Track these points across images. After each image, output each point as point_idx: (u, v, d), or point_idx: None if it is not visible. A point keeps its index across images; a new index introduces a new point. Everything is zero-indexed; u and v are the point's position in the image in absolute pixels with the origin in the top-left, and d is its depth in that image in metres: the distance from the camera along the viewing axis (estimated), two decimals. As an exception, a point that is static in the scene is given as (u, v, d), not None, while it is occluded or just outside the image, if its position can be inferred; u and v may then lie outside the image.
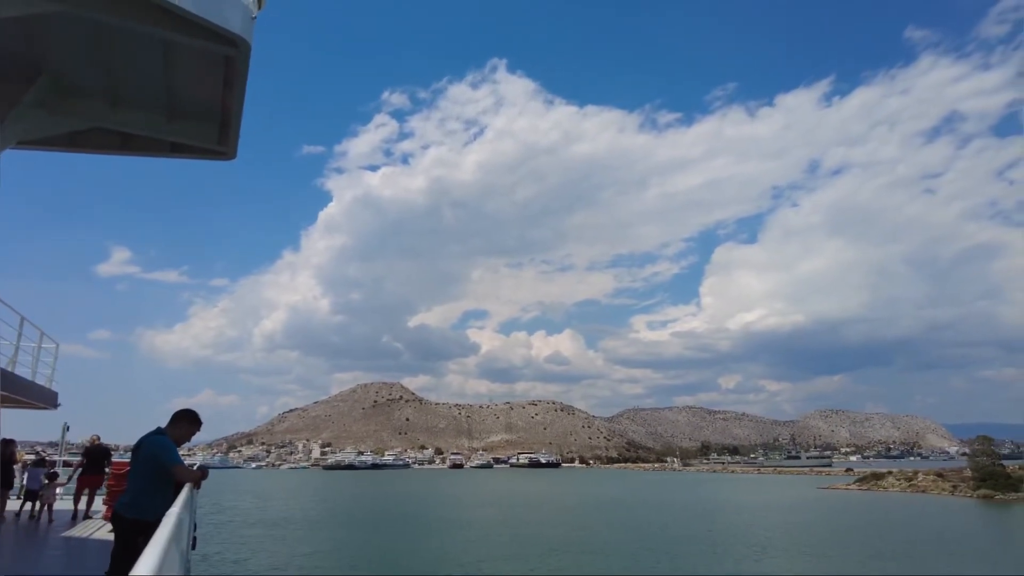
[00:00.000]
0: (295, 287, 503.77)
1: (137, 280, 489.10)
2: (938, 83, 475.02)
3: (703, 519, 43.76)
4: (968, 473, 66.41)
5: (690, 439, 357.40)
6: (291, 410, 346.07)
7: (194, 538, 5.57)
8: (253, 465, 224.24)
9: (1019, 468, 63.60)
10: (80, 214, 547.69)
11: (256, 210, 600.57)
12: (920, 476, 70.72)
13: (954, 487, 64.26)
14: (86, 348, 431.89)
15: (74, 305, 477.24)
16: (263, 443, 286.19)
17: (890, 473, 78.20)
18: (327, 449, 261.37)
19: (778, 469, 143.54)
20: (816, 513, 48.65)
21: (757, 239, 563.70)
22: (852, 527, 39.15)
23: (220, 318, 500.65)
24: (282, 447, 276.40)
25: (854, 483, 79.00)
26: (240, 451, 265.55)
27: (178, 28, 5.95)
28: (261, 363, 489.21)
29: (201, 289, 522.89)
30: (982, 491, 59.98)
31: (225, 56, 6.70)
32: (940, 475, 69.41)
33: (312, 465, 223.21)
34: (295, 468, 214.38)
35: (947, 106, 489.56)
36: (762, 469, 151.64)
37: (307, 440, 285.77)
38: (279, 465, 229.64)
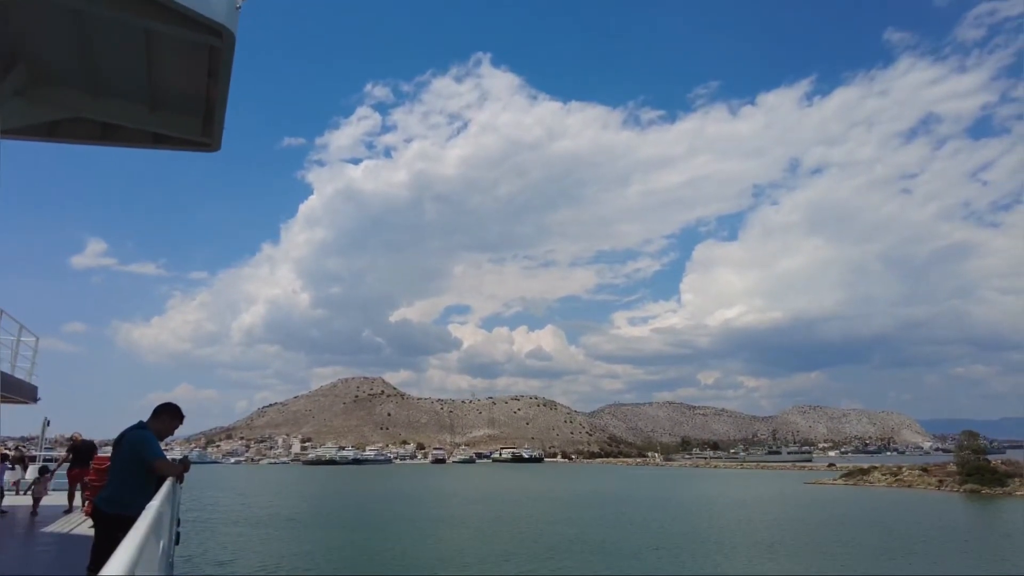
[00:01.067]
0: (275, 281, 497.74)
1: (113, 272, 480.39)
2: (916, 85, 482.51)
3: (704, 515, 44.00)
4: (952, 468, 67.41)
5: (670, 434, 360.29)
6: (270, 404, 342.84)
7: (177, 533, 5.54)
8: (232, 460, 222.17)
9: (1002, 463, 64.69)
10: (53, 205, 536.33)
11: (235, 202, 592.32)
12: (905, 471, 71.64)
13: (940, 482, 65.10)
14: (60, 341, 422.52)
15: (47, 297, 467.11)
16: (242, 438, 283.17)
17: (875, 468, 79.14)
18: (307, 444, 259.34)
19: (761, 464, 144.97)
20: (813, 509, 48.83)
21: (737, 237, 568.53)
22: (852, 523, 39.44)
23: (199, 312, 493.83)
24: (261, 442, 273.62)
25: (840, 478, 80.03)
26: (219, 446, 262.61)
27: (160, 17, 5.79)
28: (240, 357, 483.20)
29: (179, 282, 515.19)
30: (969, 486, 60.88)
31: (209, 46, 6.51)
32: (925, 470, 70.44)
33: (292, 460, 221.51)
34: (275, 463, 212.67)
35: (924, 108, 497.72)
36: (745, 464, 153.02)
37: (287, 435, 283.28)
38: (259, 460, 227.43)
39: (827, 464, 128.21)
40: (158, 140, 8.79)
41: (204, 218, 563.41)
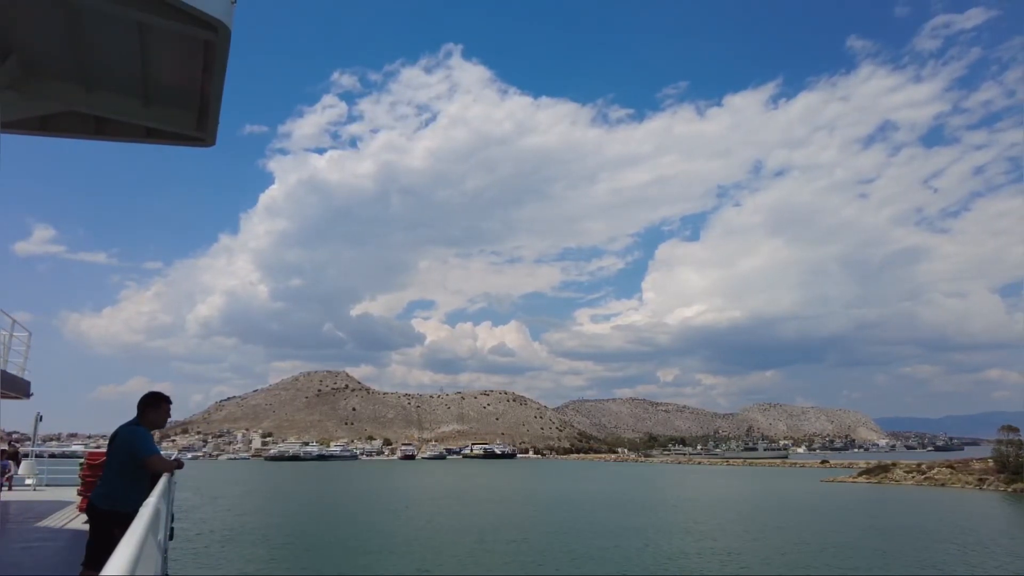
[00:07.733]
0: (233, 272, 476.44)
1: (62, 260, 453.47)
2: (875, 92, 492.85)
3: (799, 520, 39.03)
4: (978, 464, 64.25)
5: (633, 430, 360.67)
6: (228, 398, 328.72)
7: (171, 528, 5.49)
8: (189, 455, 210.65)
9: None
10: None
11: (192, 190, 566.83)
12: (933, 468, 68.06)
13: (980, 480, 61.51)
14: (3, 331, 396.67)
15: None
16: (199, 432, 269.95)
17: (895, 465, 75.95)
18: (268, 439, 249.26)
19: (746, 461, 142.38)
20: (882, 516, 43.25)
21: (700, 237, 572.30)
22: (963, 533, 34.15)
23: (153, 302, 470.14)
24: (219, 436, 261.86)
25: (860, 475, 76.43)
26: (174, 440, 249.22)
27: (154, 10, 5.84)
28: (196, 350, 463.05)
29: (133, 272, 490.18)
30: (1019, 485, 57.34)
31: (204, 40, 6.47)
32: (952, 467, 67.14)
33: (253, 456, 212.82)
34: (235, 459, 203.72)
35: (882, 115, 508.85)
36: (731, 461, 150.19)
37: (247, 429, 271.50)
38: (217, 456, 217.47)
39: (820, 461, 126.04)
40: (151, 134, 8.69)
41: (159, 206, 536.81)
